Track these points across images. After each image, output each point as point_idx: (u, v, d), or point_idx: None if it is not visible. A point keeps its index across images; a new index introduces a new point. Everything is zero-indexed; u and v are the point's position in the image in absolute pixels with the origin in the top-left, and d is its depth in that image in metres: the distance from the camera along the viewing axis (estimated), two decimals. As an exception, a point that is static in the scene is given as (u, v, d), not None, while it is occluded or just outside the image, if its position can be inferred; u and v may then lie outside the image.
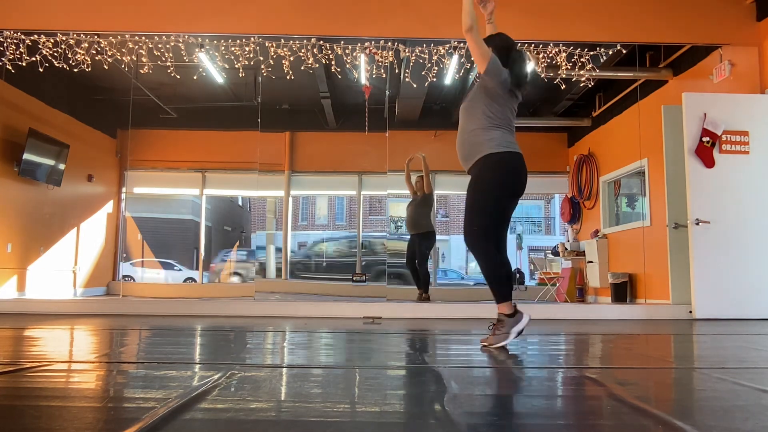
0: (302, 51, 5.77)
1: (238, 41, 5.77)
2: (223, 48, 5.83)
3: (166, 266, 10.62)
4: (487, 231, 2.83)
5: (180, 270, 10.48)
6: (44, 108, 7.75)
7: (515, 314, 2.79)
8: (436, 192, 9.13)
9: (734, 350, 2.89)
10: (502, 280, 2.83)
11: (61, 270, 8.23)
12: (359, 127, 8.00)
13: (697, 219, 5.25)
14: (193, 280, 10.16)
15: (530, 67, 3.04)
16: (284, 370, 2.14)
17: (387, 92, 7.85)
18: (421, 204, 6.78)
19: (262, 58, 5.81)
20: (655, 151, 6.44)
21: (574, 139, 9.35)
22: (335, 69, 6.09)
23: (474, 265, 12.16)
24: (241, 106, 8.53)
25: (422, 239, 6.76)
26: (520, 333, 2.79)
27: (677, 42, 6.09)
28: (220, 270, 10.35)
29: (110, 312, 5.55)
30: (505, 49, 2.94)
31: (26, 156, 7.15)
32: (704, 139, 5.35)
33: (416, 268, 6.72)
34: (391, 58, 5.83)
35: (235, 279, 10.33)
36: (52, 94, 7.75)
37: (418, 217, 6.78)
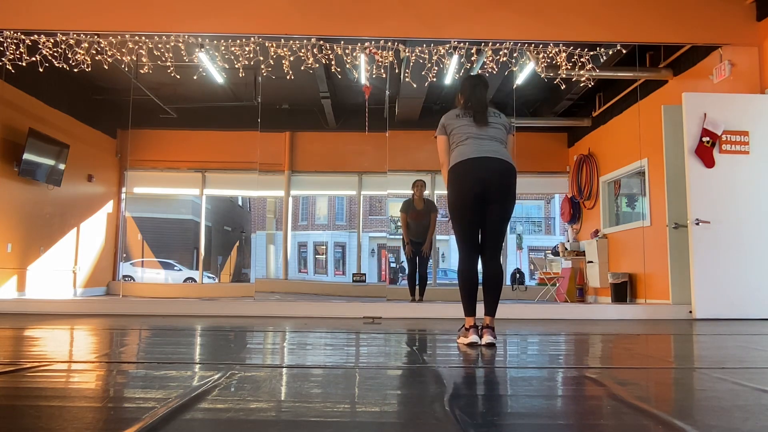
0: (302, 51, 5.77)
1: (238, 41, 5.77)
2: (223, 48, 5.83)
3: (166, 266, 10.63)
4: (461, 241, 3.08)
5: (180, 270, 10.49)
6: (44, 108, 7.74)
7: (468, 330, 3.01)
8: (437, 192, 9.15)
9: (734, 350, 2.89)
10: (461, 289, 3.08)
11: (61, 270, 8.23)
12: (359, 127, 8.00)
13: (697, 219, 5.25)
14: (193, 280, 10.16)
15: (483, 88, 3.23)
16: (284, 370, 2.14)
17: (387, 92, 7.85)
18: (426, 215, 6.86)
19: (262, 58, 5.80)
20: (655, 151, 6.44)
21: (574, 139, 9.35)
22: (335, 69, 6.09)
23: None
24: (241, 106, 8.53)
25: (423, 245, 6.85)
26: (470, 345, 2.95)
27: (677, 42, 6.09)
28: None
29: (110, 312, 5.55)
30: (461, 90, 3.28)
31: (26, 156, 7.15)
32: (704, 139, 5.35)
33: (416, 277, 6.86)
34: (391, 58, 5.83)
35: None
36: (52, 94, 7.75)
37: (425, 226, 6.86)
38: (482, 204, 2.99)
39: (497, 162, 2.97)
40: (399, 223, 7.19)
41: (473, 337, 2.94)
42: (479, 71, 3.03)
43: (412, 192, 6.89)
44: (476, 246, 3.06)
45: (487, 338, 2.90)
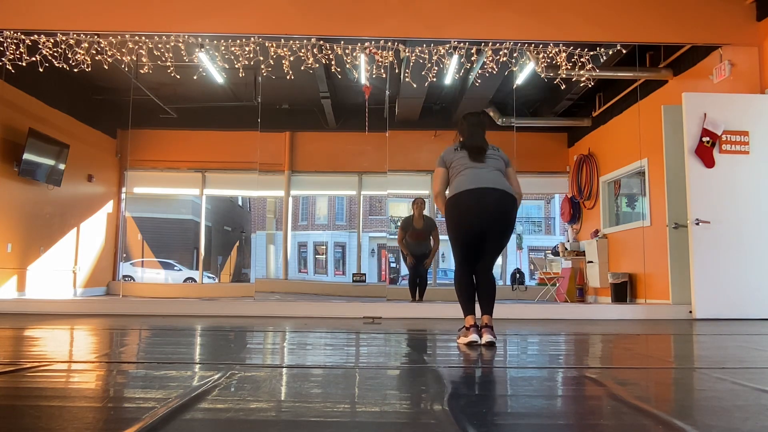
0: (302, 51, 5.77)
1: (238, 41, 5.77)
2: (223, 48, 5.83)
3: (166, 266, 10.62)
4: (458, 257, 3.17)
5: (180, 270, 10.48)
6: (44, 108, 7.74)
7: (468, 329, 3.04)
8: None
9: (734, 350, 2.89)
10: (458, 295, 3.15)
11: (61, 270, 8.23)
12: (359, 127, 8.00)
13: (697, 219, 5.25)
14: (193, 280, 10.16)
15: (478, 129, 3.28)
16: (284, 370, 2.14)
17: (387, 92, 7.85)
18: (426, 233, 6.90)
19: (262, 58, 5.80)
20: (655, 151, 6.44)
21: (574, 139, 9.35)
22: (335, 69, 6.09)
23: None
24: (241, 106, 8.53)
25: (425, 257, 6.92)
26: (469, 344, 2.97)
27: (677, 42, 6.09)
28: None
29: (110, 312, 5.55)
30: (459, 126, 3.33)
31: (26, 156, 7.14)
32: (704, 139, 5.35)
33: (416, 281, 6.92)
34: (391, 58, 5.83)
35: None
36: (52, 94, 7.74)
37: (425, 243, 6.92)
38: (482, 230, 3.06)
39: (496, 193, 3.02)
40: (399, 223, 7.19)
41: (473, 336, 2.96)
42: (478, 111, 3.16)
43: (412, 211, 6.89)
44: (473, 261, 3.13)
45: (486, 337, 2.92)
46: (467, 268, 3.13)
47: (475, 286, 3.14)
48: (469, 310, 3.09)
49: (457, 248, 3.16)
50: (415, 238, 6.85)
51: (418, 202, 6.85)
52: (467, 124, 3.26)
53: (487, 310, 3.05)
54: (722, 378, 1.99)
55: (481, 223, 3.03)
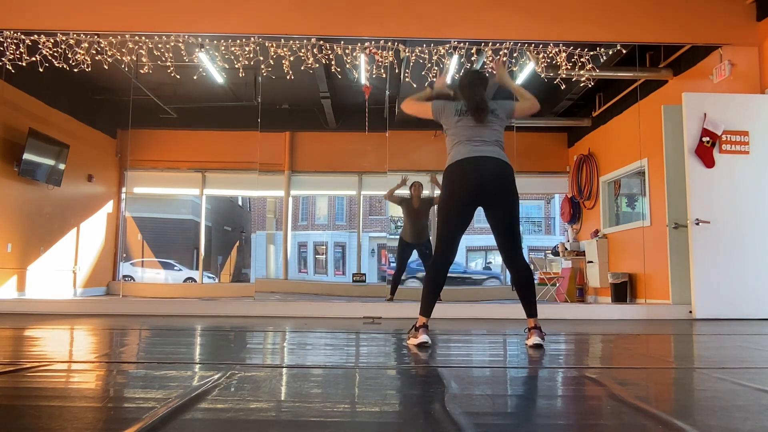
0: (302, 51, 5.77)
1: (238, 41, 5.77)
2: (223, 48, 5.83)
3: (166, 266, 10.62)
4: (440, 240, 2.99)
5: (180, 270, 10.48)
6: (44, 108, 7.74)
7: (419, 329, 2.93)
8: (437, 192, 9.14)
9: (734, 350, 2.89)
10: (425, 286, 3.03)
11: (61, 270, 8.23)
12: (359, 127, 8.00)
13: (697, 219, 5.25)
14: (193, 280, 10.16)
15: (484, 87, 3.17)
16: (284, 370, 2.14)
17: (387, 92, 7.84)
18: (424, 215, 6.88)
19: (262, 58, 5.80)
20: (655, 151, 6.44)
21: (574, 139, 9.35)
22: (335, 69, 6.09)
23: (473, 265, 12.14)
24: (241, 106, 8.53)
25: (427, 246, 6.89)
26: (419, 346, 2.87)
27: (677, 42, 6.09)
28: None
29: (110, 312, 5.55)
30: (458, 87, 3.22)
31: (26, 156, 7.15)
32: (704, 139, 5.35)
33: (400, 278, 6.94)
34: (391, 58, 5.83)
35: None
36: (52, 94, 7.75)
37: (423, 228, 6.90)
38: (474, 207, 2.98)
39: (493, 162, 2.92)
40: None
41: (423, 337, 2.87)
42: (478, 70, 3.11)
43: (410, 193, 6.92)
44: (453, 248, 3.00)
45: (533, 339, 2.86)
46: (446, 254, 2.97)
47: (512, 281, 3.05)
48: (426, 311, 2.98)
49: (442, 224, 2.98)
50: (413, 217, 6.86)
51: (416, 185, 6.90)
52: (468, 83, 3.15)
53: (531, 311, 2.96)
54: (722, 378, 1.99)
55: (478, 190, 2.90)
